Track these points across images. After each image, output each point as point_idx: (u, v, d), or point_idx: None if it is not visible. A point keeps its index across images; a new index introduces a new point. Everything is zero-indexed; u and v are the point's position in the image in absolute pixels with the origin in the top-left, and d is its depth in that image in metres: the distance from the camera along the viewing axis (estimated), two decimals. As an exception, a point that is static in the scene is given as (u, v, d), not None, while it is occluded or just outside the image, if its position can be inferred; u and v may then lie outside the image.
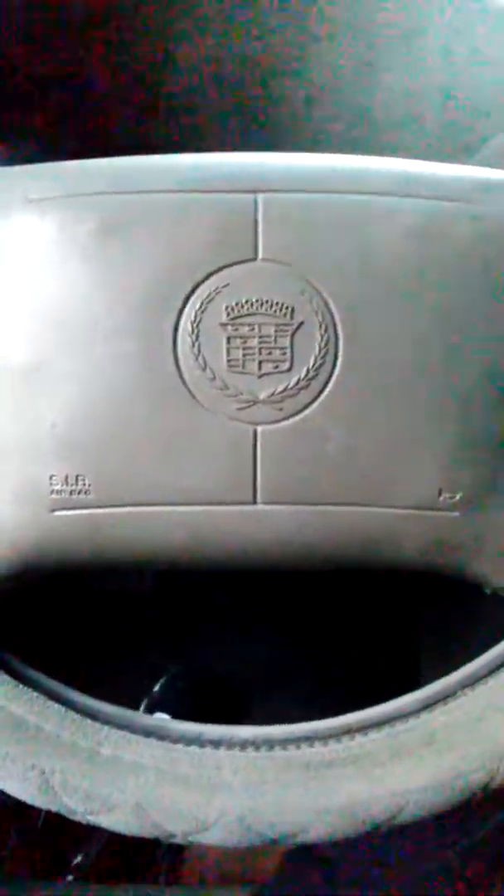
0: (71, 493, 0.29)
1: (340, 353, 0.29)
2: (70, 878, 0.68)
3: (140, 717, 0.32)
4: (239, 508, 0.29)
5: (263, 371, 0.29)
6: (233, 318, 0.29)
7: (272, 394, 0.29)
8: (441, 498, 0.29)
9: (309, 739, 0.31)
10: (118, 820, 0.29)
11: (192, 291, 0.28)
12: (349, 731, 0.31)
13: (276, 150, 0.31)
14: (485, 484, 0.30)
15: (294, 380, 0.29)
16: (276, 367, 0.29)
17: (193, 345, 0.28)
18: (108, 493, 0.29)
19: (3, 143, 0.47)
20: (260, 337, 0.29)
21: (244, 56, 0.48)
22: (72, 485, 0.29)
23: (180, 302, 0.28)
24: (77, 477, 0.29)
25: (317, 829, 0.28)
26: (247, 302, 0.29)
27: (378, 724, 0.31)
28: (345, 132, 0.50)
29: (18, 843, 0.67)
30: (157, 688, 0.77)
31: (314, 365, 0.29)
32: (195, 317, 0.28)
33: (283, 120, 0.50)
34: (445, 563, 0.30)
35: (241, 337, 0.29)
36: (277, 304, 0.29)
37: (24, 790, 0.29)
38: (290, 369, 0.29)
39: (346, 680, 0.73)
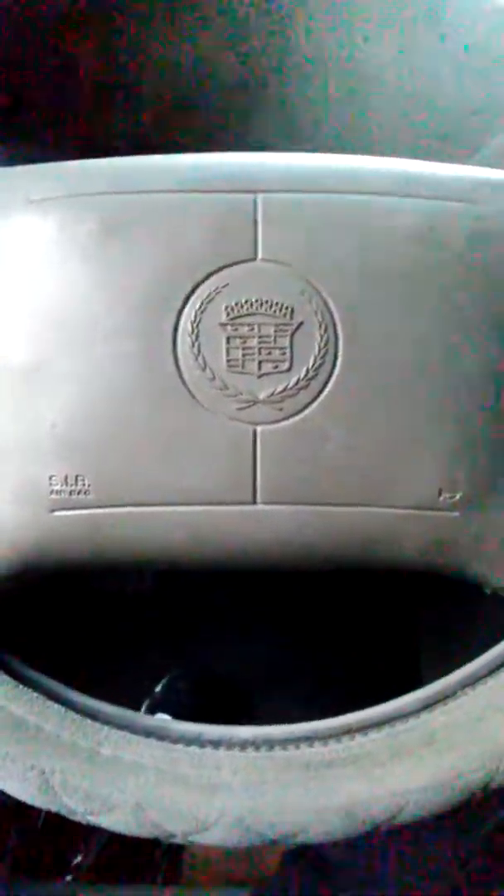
0: (71, 493, 0.29)
1: (340, 353, 0.29)
2: (70, 878, 0.68)
3: (140, 717, 0.32)
4: (239, 508, 0.29)
5: (263, 371, 0.29)
6: (232, 318, 0.29)
7: (272, 394, 0.29)
8: (441, 498, 0.29)
9: (309, 739, 0.31)
10: (118, 820, 0.29)
11: (192, 291, 0.28)
12: (349, 731, 0.31)
13: (275, 151, 0.31)
14: (485, 484, 0.30)
15: (294, 380, 0.29)
16: (276, 367, 0.29)
17: (193, 345, 0.28)
18: (108, 494, 0.29)
19: (4, 144, 0.47)
20: (260, 337, 0.29)
21: (244, 56, 0.48)
22: (71, 485, 0.29)
23: (180, 302, 0.28)
24: (77, 477, 0.29)
25: (317, 830, 0.28)
26: (246, 302, 0.29)
27: (378, 724, 0.31)
28: (344, 132, 0.50)
29: (18, 844, 0.67)
30: (158, 689, 0.77)
31: (314, 365, 0.29)
32: (195, 317, 0.28)
33: (282, 120, 0.50)
34: (445, 563, 0.30)
35: (240, 337, 0.29)
36: (277, 304, 0.29)
37: (24, 790, 0.29)
38: (289, 369, 0.29)
39: (346, 680, 0.73)
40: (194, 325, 0.28)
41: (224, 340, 0.29)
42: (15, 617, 0.33)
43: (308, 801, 0.29)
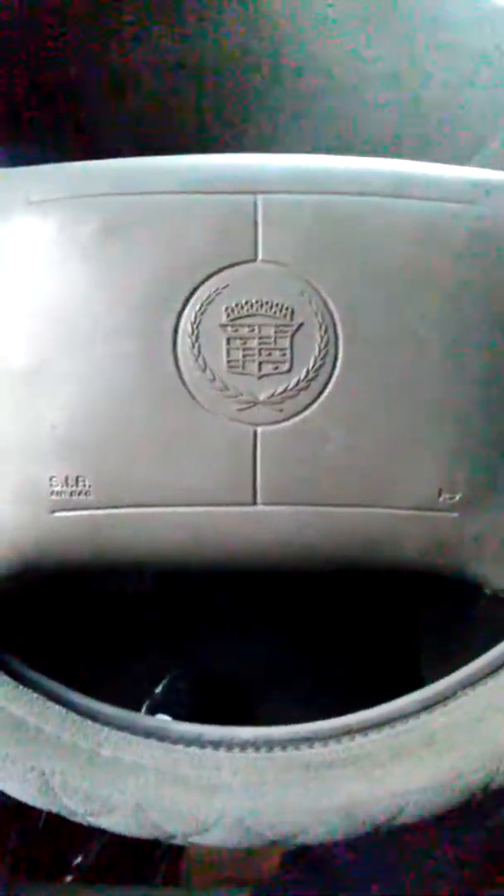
0: (71, 493, 0.29)
1: (340, 354, 0.29)
2: (70, 878, 0.68)
3: (140, 718, 0.32)
4: (239, 509, 0.29)
5: (263, 372, 0.29)
6: (233, 319, 0.29)
7: (272, 395, 0.29)
8: (441, 498, 0.29)
9: (309, 740, 0.31)
10: (118, 821, 0.29)
11: (192, 292, 0.28)
12: (349, 731, 0.31)
13: (276, 152, 0.31)
14: (484, 484, 0.30)
15: (294, 381, 0.29)
16: (276, 367, 0.29)
17: (193, 346, 0.28)
18: (108, 494, 0.29)
19: (5, 145, 0.47)
20: (260, 338, 0.29)
21: (244, 56, 0.48)
22: (72, 486, 0.29)
23: (180, 303, 0.28)
24: (77, 478, 0.29)
25: (317, 830, 0.28)
26: (247, 303, 0.29)
27: (378, 724, 0.31)
28: (345, 133, 0.50)
29: (18, 844, 0.67)
30: (158, 689, 0.77)
31: (314, 366, 0.29)
32: (195, 318, 0.28)
33: (282, 121, 0.50)
34: (445, 564, 0.31)
35: (240, 338, 0.29)
36: (277, 305, 0.29)
37: (24, 791, 0.29)
38: (289, 370, 0.29)
39: (347, 680, 0.73)
40: (194, 325, 0.28)
41: (224, 341, 0.29)
42: (15, 617, 0.33)
43: (308, 801, 0.29)
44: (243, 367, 0.29)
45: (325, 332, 0.29)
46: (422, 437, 0.29)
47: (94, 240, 0.29)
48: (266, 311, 0.29)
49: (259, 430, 0.29)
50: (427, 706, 0.31)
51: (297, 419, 0.29)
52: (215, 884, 0.66)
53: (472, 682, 0.31)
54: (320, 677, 0.75)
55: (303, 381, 0.29)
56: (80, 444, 0.29)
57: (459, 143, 0.47)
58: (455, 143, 0.47)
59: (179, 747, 0.30)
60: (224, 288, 0.28)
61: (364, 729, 0.31)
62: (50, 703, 0.31)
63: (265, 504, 0.29)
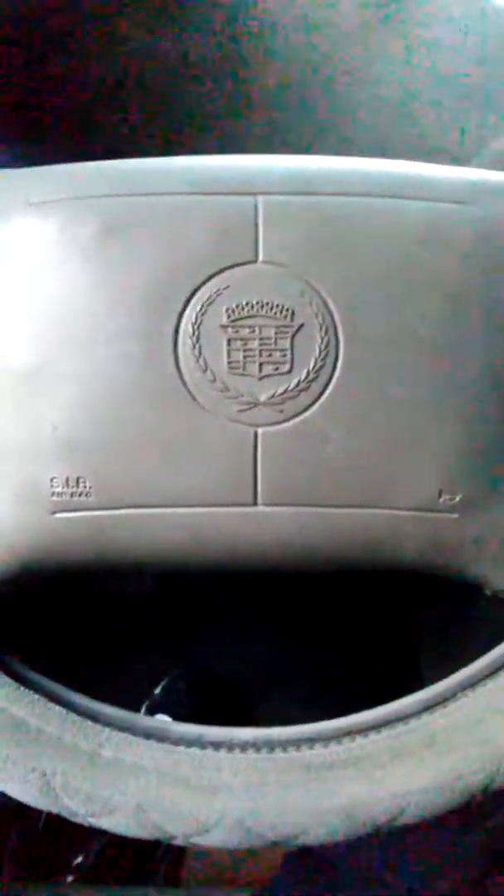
0: (72, 495, 0.29)
1: (341, 355, 0.29)
2: (70, 879, 0.68)
3: (141, 718, 0.32)
4: (240, 510, 0.29)
5: (264, 373, 0.29)
6: (233, 320, 0.29)
7: (272, 395, 0.29)
8: (441, 499, 0.29)
9: (309, 741, 0.31)
10: (119, 822, 0.29)
11: (193, 293, 0.28)
12: (350, 732, 0.31)
13: (276, 153, 0.31)
14: (485, 485, 0.30)
15: (294, 382, 0.29)
16: (277, 368, 0.29)
17: (194, 347, 0.28)
18: (109, 495, 0.29)
19: (5, 146, 0.47)
20: (260, 339, 0.29)
21: (244, 57, 0.48)
22: (72, 487, 0.29)
23: (181, 304, 0.28)
24: (78, 479, 0.29)
25: (317, 831, 0.28)
26: (247, 304, 0.29)
27: (378, 725, 0.31)
28: (345, 134, 0.50)
29: (19, 845, 0.67)
30: (158, 690, 0.77)
31: (314, 367, 0.29)
32: (196, 318, 0.28)
33: (282, 122, 0.50)
34: (445, 565, 0.31)
35: (241, 339, 0.29)
36: (278, 306, 0.29)
37: (25, 792, 0.29)
38: (290, 371, 0.29)
39: (347, 681, 0.73)
40: (195, 326, 0.28)
41: (225, 342, 0.29)
42: (16, 618, 0.33)
43: (309, 802, 0.29)
44: (244, 368, 0.29)
45: (326, 332, 0.29)
46: (422, 438, 0.29)
47: (94, 241, 0.29)
48: (267, 311, 0.29)
49: (260, 430, 0.29)
50: (427, 707, 0.31)
51: (297, 420, 0.29)
52: (216, 884, 0.66)
53: (472, 684, 0.31)
54: (320, 678, 0.75)
55: (303, 381, 0.29)
56: (80, 445, 0.29)
57: (460, 143, 0.47)
58: (456, 143, 0.47)
59: (180, 748, 0.30)
60: (225, 289, 0.28)
61: (364, 730, 0.31)
62: (51, 704, 0.31)
63: (266, 505, 0.29)
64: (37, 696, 0.31)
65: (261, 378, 0.29)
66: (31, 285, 0.29)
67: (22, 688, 0.31)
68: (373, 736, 0.31)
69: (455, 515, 0.29)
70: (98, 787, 0.29)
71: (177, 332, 0.28)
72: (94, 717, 0.31)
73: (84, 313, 0.29)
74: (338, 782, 0.29)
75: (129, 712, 0.32)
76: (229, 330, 0.29)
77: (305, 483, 0.29)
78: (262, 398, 0.29)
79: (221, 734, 0.31)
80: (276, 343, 0.29)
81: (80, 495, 0.29)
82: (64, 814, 0.29)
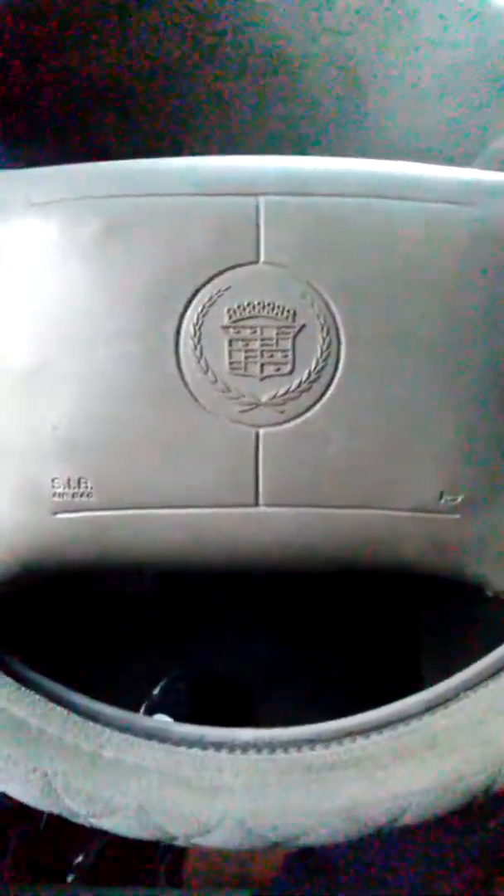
0: (73, 495, 0.29)
1: (342, 356, 0.29)
2: (71, 879, 0.68)
3: (142, 719, 0.32)
4: (241, 511, 0.29)
5: (265, 374, 0.29)
6: (235, 321, 0.29)
7: (274, 396, 0.29)
8: (442, 500, 0.29)
9: (310, 742, 0.31)
10: (120, 822, 0.29)
11: (195, 294, 0.28)
12: (350, 733, 0.31)
13: (277, 154, 0.31)
14: (486, 486, 0.30)
15: (296, 382, 0.29)
16: (278, 369, 0.29)
17: (195, 347, 0.28)
18: (110, 496, 0.29)
19: (6, 147, 0.47)
20: (262, 340, 0.29)
21: (244, 58, 0.48)
22: (73, 487, 0.29)
23: (182, 304, 0.28)
24: (79, 479, 0.29)
25: (318, 832, 0.28)
26: (249, 305, 0.29)
27: (379, 726, 0.31)
28: (345, 135, 0.50)
29: (20, 845, 0.67)
30: (157, 690, 0.77)
31: (316, 368, 0.29)
32: (197, 319, 0.28)
33: (283, 123, 0.50)
34: (446, 566, 0.31)
35: (242, 339, 0.29)
36: (279, 306, 0.29)
37: (26, 793, 0.29)
38: (291, 372, 0.29)
39: (348, 682, 0.73)
40: (196, 327, 0.28)
41: (226, 343, 0.29)
42: (17, 619, 0.33)
43: (310, 803, 0.29)
44: (245, 369, 0.29)
45: (327, 333, 0.29)
46: (423, 439, 0.29)
47: (95, 241, 0.29)
48: (268, 312, 0.29)
49: (261, 431, 0.29)
50: (429, 708, 0.31)
51: (298, 421, 0.29)
52: (216, 885, 0.66)
53: (473, 685, 0.31)
54: (321, 678, 0.75)
55: (304, 382, 0.29)
56: (81, 446, 0.29)
57: (460, 145, 0.47)
58: (456, 145, 0.47)
59: (181, 749, 0.30)
60: (226, 290, 0.28)
61: (365, 730, 0.31)
62: (52, 705, 0.31)
63: (267, 505, 0.29)
64: (38, 697, 0.31)
65: (262, 379, 0.29)
66: (31, 285, 0.29)
67: (23, 688, 0.31)
68: (374, 737, 0.31)
69: (456, 516, 0.29)
70: (99, 788, 0.29)
71: (178, 332, 0.28)
72: (95, 718, 0.31)
73: (85, 313, 0.29)
74: (339, 783, 0.29)
75: (130, 713, 0.32)
76: (231, 330, 0.29)
77: (307, 484, 0.29)
78: (264, 399, 0.29)
79: (222, 735, 0.31)
80: (277, 344, 0.29)
81: (81, 496, 0.29)
82: (65, 814, 0.29)
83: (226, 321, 0.29)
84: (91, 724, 0.30)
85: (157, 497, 0.29)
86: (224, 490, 0.29)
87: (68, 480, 0.29)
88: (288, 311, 0.29)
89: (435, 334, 0.29)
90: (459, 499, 0.29)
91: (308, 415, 0.29)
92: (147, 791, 0.29)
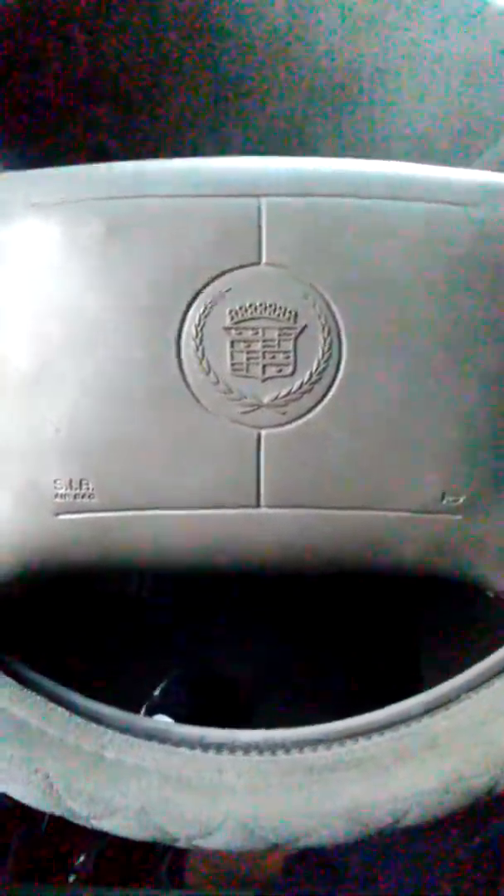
0: (75, 496, 0.29)
1: (344, 357, 0.29)
2: (72, 880, 0.68)
3: (143, 720, 0.32)
4: (242, 512, 0.29)
5: (267, 375, 0.29)
6: (236, 322, 0.29)
7: (276, 397, 0.29)
8: (444, 501, 0.29)
9: (312, 743, 0.31)
10: (122, 824, 0.29)
11: (196, 295, 0.28)
12: (352, 734, 0.31)
13: (278, 155, 0.31)
14: (488, 487, 0.30)
15: (297, 384, 0.29)
16: (280, 370, 0.29)
17: (197, 348, 0.29)
18: (112, 497, 0.29)
19: (8, 149, 0.47)
20: (263, 341, 0.29)
21: (245, 58, 0.48)
22: (75, 489, 0.29)
23: (184, 306, 0.28)
24: (81, 481, 0.29)
25: (320, 834, 0.28)
26: (250, 306, 0.29)
27: (381, 727, 0.31)
28: (347, 136, 0.50)
29: (21, 846, 0.67)
30: (157, 691, 0.77)
31: (317, 369, 0.29)
32: (199, 320, 0.28)
33: (285, 124, 0.50)
34: (448, 567, 0.31)
35: (244, 341, 0.29)
36: (281, 308, 0.29)
37: (27, 794, 0.29)
38: (293, 373, 0.29)
39: (349, 683, 0.73)
40: (198, 328, 0.28)
41: (228, 344, 0.29)
42: (18, 620, 0.33)
43: (311, 805, 0.29)
44: (247, 370, 0.29)
45: (329, 334, 0.29)
46: (425, 440, 0.29)
47: (96, 242, 0.29)
48: (270, 314, 0.29)
49: (262, 432, 0.29)
50: (430, 709, 0.31)
51: (300, 422, 0.29)
52: (218, 885, 0.66)
53: (475, 686, 0.31)
54: (322, 679, 0.75)
55: (306, 383, 0.29)
56: (83, 447, 0.29)
57: (463, 145, 0.47)
58: (458, 147, 0.47)
59: (183, 750, 0.30)
60: (227, 291, 0.28)
61: (367, 732, 0.31)
62: (53, 705, 0.31)
63: (268, 507, 0.29)
64: (39, 697, 0.31)
65: (264, 380, 0.29)
66: (33, 287, 0.29)
67: (24, 689, 0.31)
68: (375, 738, 0.31)
69: (458, 517, 0.29)
70: (100, 789, 0.29)
71: (180, 333, 0.28)
72: (96, 719, 0.31)
73: (87, 315, 0.29)
74: (340, 784, 0.29)
75: (131, 714, 0.32)
76: (232, 332, 0.29)
77: (308, 485, 0.29)
78: (266, 400, 0.29)
79: (223, 736, 0.31)
80: (279, 345, 0.29)
81: (83, 497, 0.29)
82: (66, 815, 0.29)
83: (228, 322, 0.29)
84: (92, 724, 0.31)
85: (159, 498, 0.29)
86: (225, 491, 0.29)
87: (70, 482, 0.29)
88: (290, 312, 0.29)
89: (436, 335, 0.29)
90: (461, 499, 0.29)
91: (309, 416, 0.29)
92: (148, 792, 0.29)
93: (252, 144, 0.51)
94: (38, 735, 0.30)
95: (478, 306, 0.29)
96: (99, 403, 0.29)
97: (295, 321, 0.29)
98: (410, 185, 0.30)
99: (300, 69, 0.49)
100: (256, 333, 0.29)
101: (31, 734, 0.30)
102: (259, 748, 0.31)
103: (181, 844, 0.29)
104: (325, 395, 0.29)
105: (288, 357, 0.29)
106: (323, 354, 0.29)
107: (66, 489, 0.29)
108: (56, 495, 0.29)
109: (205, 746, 0.31)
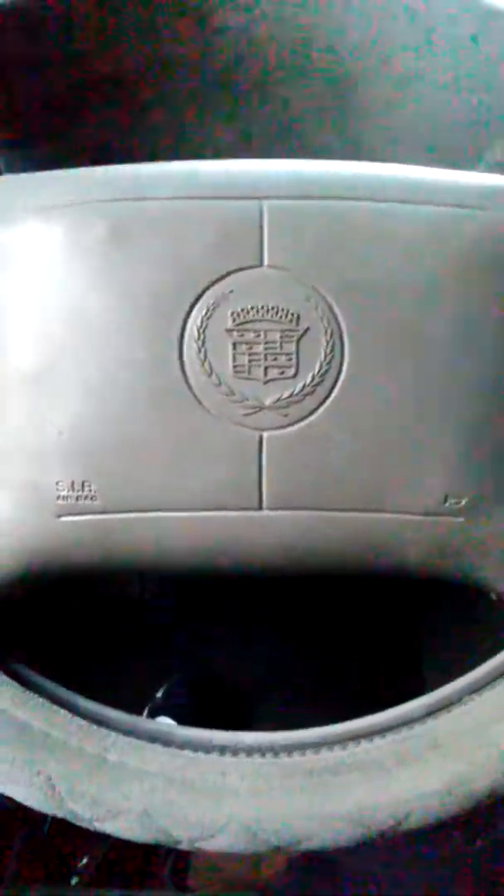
0: (77, 498, 0.29)
1: (346, 360, 0.29)
2: (75, 882, 0.68)
3: (145, 722, 0.32)
4: (244, 514, 0.29)
5: (269, 377, 0.29)
6: (239, 325, 0.29)
7: (278, 399, 0.29)
8: (446, 503, 0.29)
9: (314, 746, 0.31)
10: (124, 826, 0.29)
11: (199, 297, 0.29)
12: (355, 737, 0.31)
13: (281, 157, 0.31)
14: (490, 489, 0.30)
15: (299, 386, 0.29)
16: (282, 373, 0.29)
17: (200, 351, 0.29)
18: (114, 499, 0.29)
19: (11, 151, 0.47)
20: (266, 343, 0.29)
21: (247, 59, 0.48)
22: (78, 490, 0.29)
23: (186, 308, 0.28)
24: (83, 483, 0.29)
25: (323, 837, 0.28)
26: (252, 308, 0.29)
27: (383, 730, 0.31)
28: (349, 138, 0.50)
29: (24, 848, 0.67)
30: (160, 693, 0.77)
31: (319, 371, 0.29)
32: (201, 323, 0.29)
33: (287, 126, 0.50)
34: (450, 569, 0.30)
35: (246, 343, 0.29)
36: (283, 310, 0.29)
37: (30, 796, 0.29)
38: (295, 375, 0.29)
39: (351, 685, 0.73)
40: (201, 330, 0.28)
41: (230, 346, 0.29)
42: (20, 622, 0.33)
43: (314, 807, 0.29)
44: (249, 372, 0.29)
45: (331, 337, 0.29)
46: (427, 442, 0.29)
47: (100, 245, 0.29)
48: (272, 316, 0.29)
49: (265, 434, 0.29)
50: (432, 712, 0.31)
51: (302, 424, 0.29)
52: (220, 887, 0.66)
53: (477, 688, 0.31)
54: (325, 682, 0.75)
55: (308, 386, 0.29)
56: (86, 449, 0.29)
57: (464, 147, 0.47)
58: (460, 149, 0.47)
59: (185, 752, 0.30)
60: (230, 293, 0.29)
61: (369, 734, 0.31)
62: (56, 708, 0.31)
63: (271, 509, 0.29)
64: (41, 700, 0.31)
65: (266, 382, 0.29)
66: (36, 289, 0.29)
67: (26, 691, 0.31)
68: (378, 740, 0.31)
69: (460, 519, 0.29)
70: (103, 791, 0.29)
71: (182, 336, 0.29)
72: (98, 721, 0.31)
73: (89, 317, 0.29)
74: (343, 787, 0.29)
75: (134, 716, 0.32)
76: (235, 334, 0.29)
77: (310, 487, 0.29)
78: (268, 402, 0.29)
79: (226, 738, 0.31)
80: (281, 347, 0.29)
81: (85, 499, 0.29)
82: (69, 818, 0.29)
83: (230, 324, 0.29)
84: (95, 727, 0.30)
85: (161, 500, 0.29)
86: (227, 493, 0.29)
87: (72, 483, 0.29)
88: (292, 314, 0.29)
89: (439, 338, 0.29)
90: (464, 501, 0.29)
91: (312, 418, 0.29)
92: (151, 794, 0.29)
93: (253, 146, 0.51)
94: (40, 737, 0.30)
95: (482, 309, 0.29)
96: (101, 405, 0.29)
97: (297, 323, 0.29)
98: (414, 188, 0.30)
99: (302, 70, 0.49)
100: (258, 335, 0.29)
101: (33, 736, 0.30)
102: (262, 751, 0.31)
103: (184, 847, 0.29)
104: (327, 398, 0.29)
105: (290, 359, 0.29)
106: (325, 357, 0.29)
107: (69, 491, 0.29)
108: (58, 497, 0.29)
109: (208, 749, 0.31)
